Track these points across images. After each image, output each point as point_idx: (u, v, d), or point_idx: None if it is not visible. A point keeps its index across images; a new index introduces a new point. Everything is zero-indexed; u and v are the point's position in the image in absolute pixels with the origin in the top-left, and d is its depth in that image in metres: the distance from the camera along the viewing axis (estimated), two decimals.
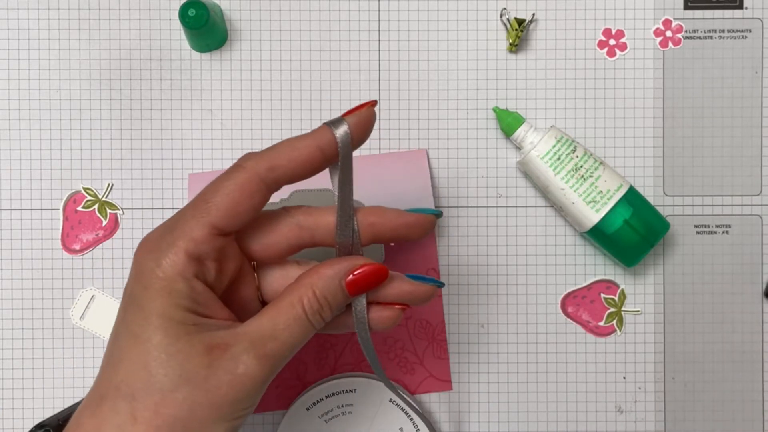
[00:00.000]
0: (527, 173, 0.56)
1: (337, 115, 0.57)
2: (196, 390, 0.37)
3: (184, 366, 0.37)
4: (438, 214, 0.43)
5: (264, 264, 0.43)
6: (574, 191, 0.53)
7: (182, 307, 0.38)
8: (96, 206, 0.57)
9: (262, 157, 0.39)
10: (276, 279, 0.43)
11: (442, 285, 0.43)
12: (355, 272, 0.40)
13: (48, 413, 0.56)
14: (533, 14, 0.57)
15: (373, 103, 0.41)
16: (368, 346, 0.42)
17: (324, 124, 0.40)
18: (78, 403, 0.41)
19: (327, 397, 0.55)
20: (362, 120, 0.40)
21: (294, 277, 0.42)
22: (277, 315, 0.39)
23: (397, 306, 0.42)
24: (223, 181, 0.39)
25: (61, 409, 0.40)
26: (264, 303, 0.43)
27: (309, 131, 0.40)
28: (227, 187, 0.39)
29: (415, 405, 0.53)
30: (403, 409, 0.55)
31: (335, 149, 0.40)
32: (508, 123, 0.55)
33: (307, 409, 0.55)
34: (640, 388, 0.57)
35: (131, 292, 0.39)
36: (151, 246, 0.39)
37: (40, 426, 0.39)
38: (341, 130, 0.40)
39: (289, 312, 0.39)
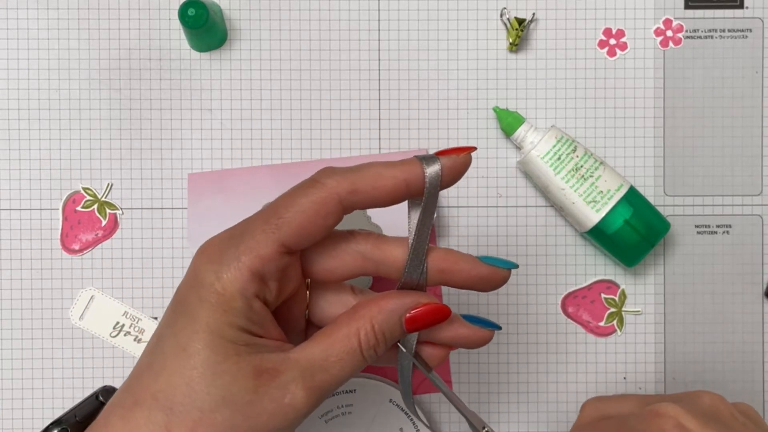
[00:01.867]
0: (527, 173, 0.56)
1: (335, 117, 0.57)
2: (237, 414, 0.35)
3: (230, 388, 0.35)
4: (514, 266, 0.40)
5: (318, 285, 0.41)
6: (575, 191, 0.53)
7: (236, 326, 0.36)
8: (95, 206, 0.57)
9: (345, 177, 0.37)
10: (328, 302, 0.41)
11: (499, 328, 0.41)
12: (416, 309, 0.38)
13: (47, 413, 0.56)
14: (533, 14, 0.57)
15: (472, 149, 0.39)
16: (407, 381, 0.41)
17: (415, 157, 0.38)
18: (89, 400, 0.40)
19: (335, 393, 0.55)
20: (457, 165, 0.38)
21: (347, 304, 0.40)
22: (331, 345, 0.37)
23: (446, 347, 0.41)
24: (298, 196, 0.37)
25: (74, 405, 0.39)
26: (309, 322, 0.41)
27: (398, 160, 0.38)
28: (302, 204, 0.36)
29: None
30: (403, 410, 0.55)
31: (421, 186, 0.38)
32: (508, 123, 0.55)
33: None
34: (640, 388, 0.57)
35: (184, 300, 0.37)
36: (213, 255, 0.37)
37: (57, 423, 0.38)
38: (432, 169, 0.38)
39: (345, 344, 0.37)
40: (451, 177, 0.38)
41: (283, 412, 0.36)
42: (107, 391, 0.39)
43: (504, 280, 0.40)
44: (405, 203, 0.39)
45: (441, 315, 0.39)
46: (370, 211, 0.54)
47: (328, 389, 0.37)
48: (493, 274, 0.39)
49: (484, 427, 0.41)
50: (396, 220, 0.54)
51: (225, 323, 0.36)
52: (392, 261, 0.39)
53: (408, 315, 0.38)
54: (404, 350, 0.40)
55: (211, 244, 0.38)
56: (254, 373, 0.36)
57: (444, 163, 0.38)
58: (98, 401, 0.39)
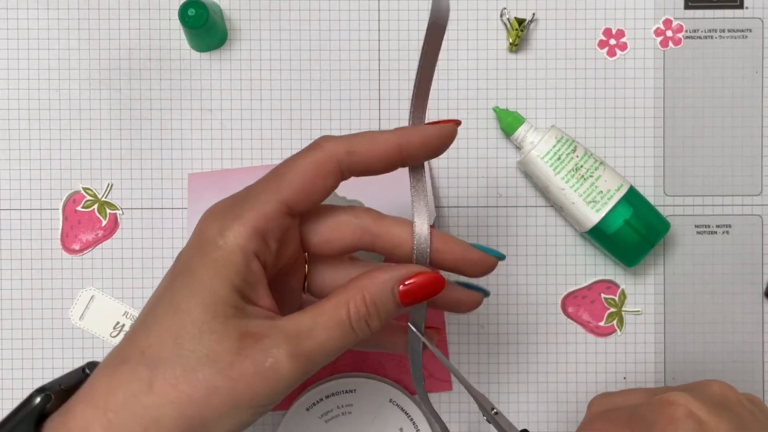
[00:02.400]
0: (527, 173, 0.56)
1: (335, 117, 0.57)
2: (218, 374, 0.35)
3: (213, 347, 0.36)
4: (501, 257, 0.42)
5: (317, 258, 0.42)
6: (574, 191, 0.53)
7: (231, 284, 0.36)
8: (95, 206, 0.57)
9: (342, 140, 0.38)
10: (326, 274, 0.41)
11: (488, 294, 0.43)
12: (411, 280, 0.39)
13: None
14: (533, 14, 0.57)
15: (458, 123, 0.40)
16: (418, 364, 0.41)
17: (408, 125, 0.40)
18: (76, 372, 0.39)
19: (327, 397, 0.55)
20: (444, 133, 0.40)
21: (345, 277, 0.40)
22: (319, 314, 0.37)
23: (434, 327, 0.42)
24: (298, 158, 0.38)
25: (60, 376, 0.39)
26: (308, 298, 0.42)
27: (395, 128, 0.40)
28: (302, 164, 0.38)
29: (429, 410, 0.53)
30: (403, 409, 0.55)
31: (414, 151, 0.39)
32: (508, 123, 0.55)
33: (307, 410, 0.55)
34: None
35: (186, 259, 0.38)
36: (217, 215, 0.38)
37: (40, 390, 0.37)
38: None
39: (333, 313, 0.37)
40: (439, 144, 0.39)
41: (264, 376, 0.36)
42: (93, 365, 0.39)
43: (491, 267, 0.41)
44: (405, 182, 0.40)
45: (436, 286, 0.39)
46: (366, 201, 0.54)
47: (314, 358, 0.37)
48: (483, 259, 0.41)
49: (492, 408, 0.41)
50: (391, 209, 0.54)
51: (222, 279, 0.36)
52: (389, 237, 0.40)
53: (401, 287, 0.38)
54: (414, 330, 0.40)
55: (216, 205, 0.39)
56: (239, 336, 0.36)
57: (431, 132, 0.39)
58: (84, 374, 0.39)
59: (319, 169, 0.38)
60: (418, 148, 0.39)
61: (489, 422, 0.42)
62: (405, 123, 0.57)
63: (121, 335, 0.56)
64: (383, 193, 0.54)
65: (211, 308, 0.36)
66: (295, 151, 0.56)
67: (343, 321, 0.37)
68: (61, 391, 0.38)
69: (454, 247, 0.40)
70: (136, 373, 0.36)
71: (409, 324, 0.40)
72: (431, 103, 0.57)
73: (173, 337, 0.36)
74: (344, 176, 0.39)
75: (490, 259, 0.41)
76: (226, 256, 0.36)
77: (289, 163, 0.39)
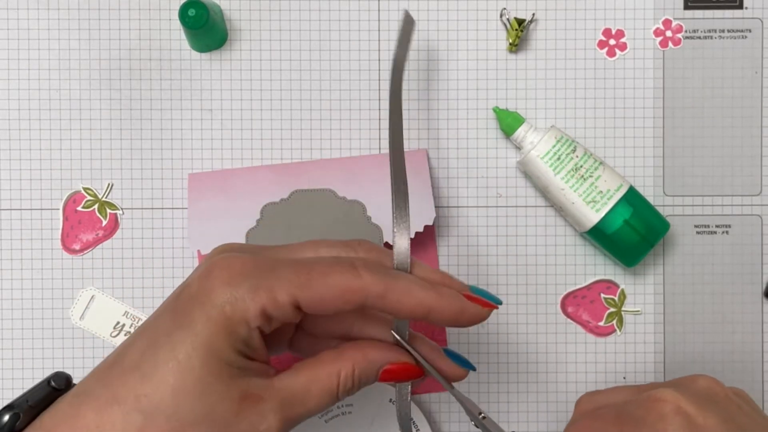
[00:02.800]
0: (527, 173, 0.56)
1: (335, 117, 0.57)
2: (216, 430, 0.37)
3: (214, 407, 0.36)
4: (498, 303, 0.42)
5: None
6: (574, 191, 0.53)
7: (235, 349, 0.37)
8: (96, 206, 0.57)
9: (380, 280, 0.38)
10: (309, 338, 0.43)
11: (474, 369, 0.44)
12: (394, 365, 0.41)
13: None
14: (533, 14, 0.57)
15: (496, 306, 0.41)
16: (407, 425, 0.43)
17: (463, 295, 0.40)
18: (41, 385, 0.39)
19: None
20: (481, 316, 0.41)
21: (326, 335, 0.42)
22: (312, 381, 0.39)
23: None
24: (334, 272, 0.38)
25: (26, 391, 0.38)
26: (298, 327, 0.43)
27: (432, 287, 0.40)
28: (333, 280, 0.38)
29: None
30: None
31: (442, 321, 0.40)
32: (508, 123, 0.55)
33: None
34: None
35: (188, 311, 0.37)
36: (233, 278, 0.37)
37: (9, 408, 0.37)
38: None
39: (325, 383, 0.39)
40: (470, 322, 0.40)
41: None
42: (59, 377, 0.39)
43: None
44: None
45: (414, 375, 0.42)
46: (369, 211, 0.54)
47: (298, 421, 0.39)
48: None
49: (480, 413, 0.42)
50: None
51: (225, 344, 0.37)
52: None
53: (385, 368, 0.41)
54: (401, 391, 0.42)
55: (233, 265, 0.38)
56: (240, 397, 0.37)
57: (470, 311, 0.40)
58: (50, 387, 0.39)
59: (346, 296, 0.38)
60: (447, 320, 0.40)
61: (477, 427, 0.43)
62: (405, 122, 0.57)
63: (122, 335, 0.56)
64: (383, 192, 0.55)
65: (215, 369, 0.37)
66: (295, 151, 0.57)
67: (333, 390, 0.39)
68: (29, 408, 0.38)
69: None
70: (129, 417, 0.36)
71: (396, 387, 0.43)
72: (432, 103, 0.57)
73: (173, 391, 0.36)
74: (364, 312, 0.41)
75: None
76: (231, 326, 0.37)
77: (324, 269, 0.38)
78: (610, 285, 0.57)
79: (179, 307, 0.38)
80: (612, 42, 0.57)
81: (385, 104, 0.57)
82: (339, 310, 0.38)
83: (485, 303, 0.41)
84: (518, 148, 0.56)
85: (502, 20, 0.57)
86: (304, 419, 0.39)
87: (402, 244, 0.41)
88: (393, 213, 0.41)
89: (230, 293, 0.37)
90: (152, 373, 0.36)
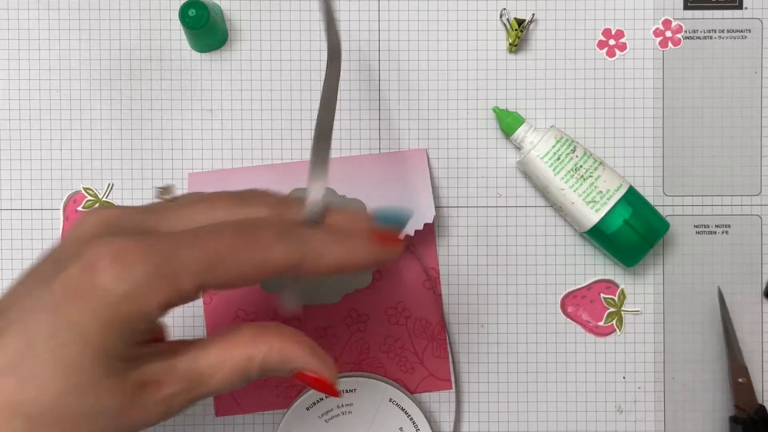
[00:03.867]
0: (527, 173, 0.56)
1: (336, 116, 0.57)
2: (110, 421, 0.34)
3: (107, 402, 0.33)
4: (406, 219, 0.40)
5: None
6: (574, 191, 0.53)
7: (129, 341, 0.34)
8: (96, 206, 0.57)
9: (302, 257, 0.36)
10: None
11: (403, 222, 0.41)
12: (312, 374, 0.38)
13: None
14: (533, 14, 0.57)
15: (404, 241, 0.40)
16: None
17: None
18: None
19: (327, 396, 0.55)
20: (391, 257, 0.39)
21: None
22: (222, 362, 0.36)
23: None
24: (243, 246, 0.35)
25: None
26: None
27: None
28: (245, 259, 0.35)
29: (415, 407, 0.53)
30: (403, 409, 0.55)
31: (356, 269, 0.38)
32: (508, 123, 0.55)
33: (307, 409, 0.55)
34: (639, 388, 0.57)
35: (71, 307, 0.33)
36: (126, 271, 0.33)
37: None
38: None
39: (235, 365, 0.36)
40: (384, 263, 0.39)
41: (158, 418, 0.35)
42: None
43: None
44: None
45: (327, 391, 0.39)
46: (365, 199, 0.54)
47: (202, 399, 0.37)
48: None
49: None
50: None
51: (119, 342, 0.33)
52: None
53: (302, 373, 0.38)
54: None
55: (122, 254, 0.33)
56: (138, 387, 0.34)
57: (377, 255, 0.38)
58: None
59: (258, 274, 0.35)
60: (362, 271, 0.39)
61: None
62: (405, 122, 0.57)
63: None
64: (383, 191, 0.55)
65: (109, 366, 0.33)
66: (295, 151, 0.57)
67: (245, 372, 0.37)
68: None
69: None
70: (12, 425, 0.32)
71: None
72: (432, 103, 0.57)
73: (60, 393, 0.32)
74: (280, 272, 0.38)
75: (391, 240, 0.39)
76: (126, 322, 0.33)
77: (226, 241, 0.35)
78: (609, 285, 0.57)
79: (59, 301, 0.33)
80: (612, 42, 0.57)
81: (385, 104, 0.57)
82: (249, 285, 0.36)
83: (393, 240, 0.39)
84: (518, 148, 0.56)
85: (501, 20, 0.57)
86: (209, 397, 0.38)
87: (316, 194, 0.38)
88: (311, 157, 0.38)
89: (124, 288, 0.33)
90: (33, 378, 0.32)
